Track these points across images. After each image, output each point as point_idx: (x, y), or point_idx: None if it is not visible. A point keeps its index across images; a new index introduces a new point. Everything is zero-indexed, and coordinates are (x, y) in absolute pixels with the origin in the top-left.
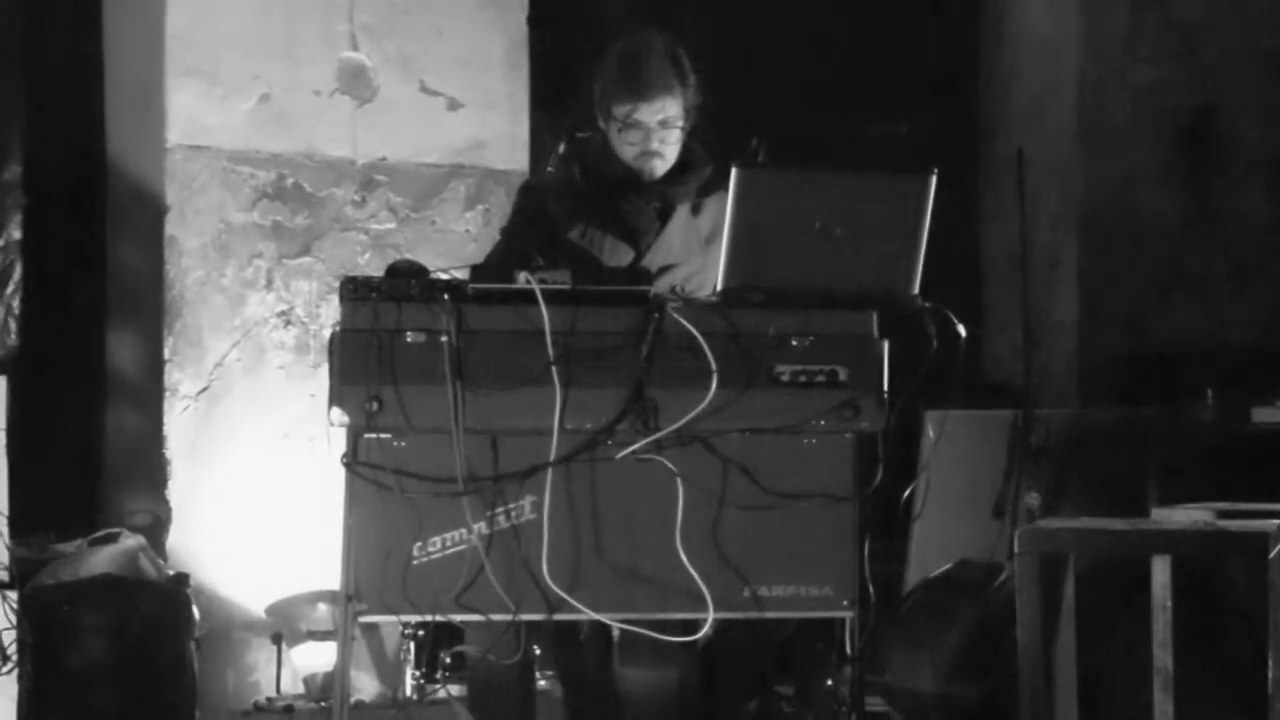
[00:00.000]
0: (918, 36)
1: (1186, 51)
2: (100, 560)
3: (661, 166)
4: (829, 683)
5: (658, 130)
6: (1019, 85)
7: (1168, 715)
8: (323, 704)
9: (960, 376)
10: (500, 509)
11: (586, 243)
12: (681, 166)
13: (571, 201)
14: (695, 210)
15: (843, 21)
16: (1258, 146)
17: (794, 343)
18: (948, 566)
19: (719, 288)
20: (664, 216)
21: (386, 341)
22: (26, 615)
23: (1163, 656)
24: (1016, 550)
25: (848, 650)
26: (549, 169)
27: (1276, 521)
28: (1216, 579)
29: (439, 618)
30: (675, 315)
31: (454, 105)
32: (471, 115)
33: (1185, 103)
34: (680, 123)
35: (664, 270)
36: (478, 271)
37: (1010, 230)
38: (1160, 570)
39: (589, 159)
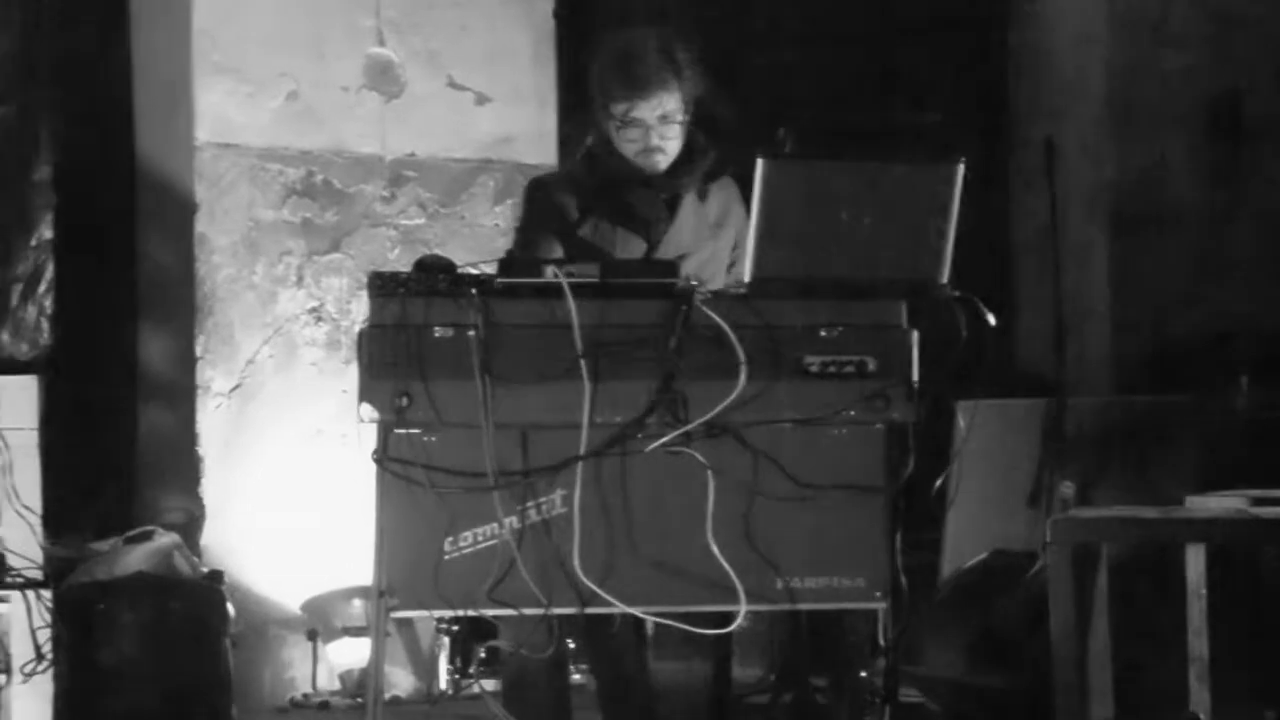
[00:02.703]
0: (947, 23)
1: (1217, 37)
2: (135, 558)
3: (664, 161)
4: (863, 674)
5: (657, 126)
6: (1049, 72)
7: (1203, 704)
8: (358, 700)
9: (990, 366)
10: (531, 503)
11: (598, 238)
12: (686, 155)
13: (579, 197)
14: (702, 196)
15: (873, 10)
16: None
17: (823, 333)
18: (982, 556)
19: (747, 279)
20: (673, 206)
21: (415, 337)
22: (61, 614)
23: (1197, 644)
24: (1049, 540)
25: (881, 641)
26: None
27: None
28: (1251, 566)
29: (471, 612)
30: (703, 307)
31: (481, 100)
32: (499, 110)
33: (1216, 88)
34: (679, 116)
35: (678, 259)
36: (505, 266)
37: (1040, 218)
38: (1194, 558)
39: (594, 153)
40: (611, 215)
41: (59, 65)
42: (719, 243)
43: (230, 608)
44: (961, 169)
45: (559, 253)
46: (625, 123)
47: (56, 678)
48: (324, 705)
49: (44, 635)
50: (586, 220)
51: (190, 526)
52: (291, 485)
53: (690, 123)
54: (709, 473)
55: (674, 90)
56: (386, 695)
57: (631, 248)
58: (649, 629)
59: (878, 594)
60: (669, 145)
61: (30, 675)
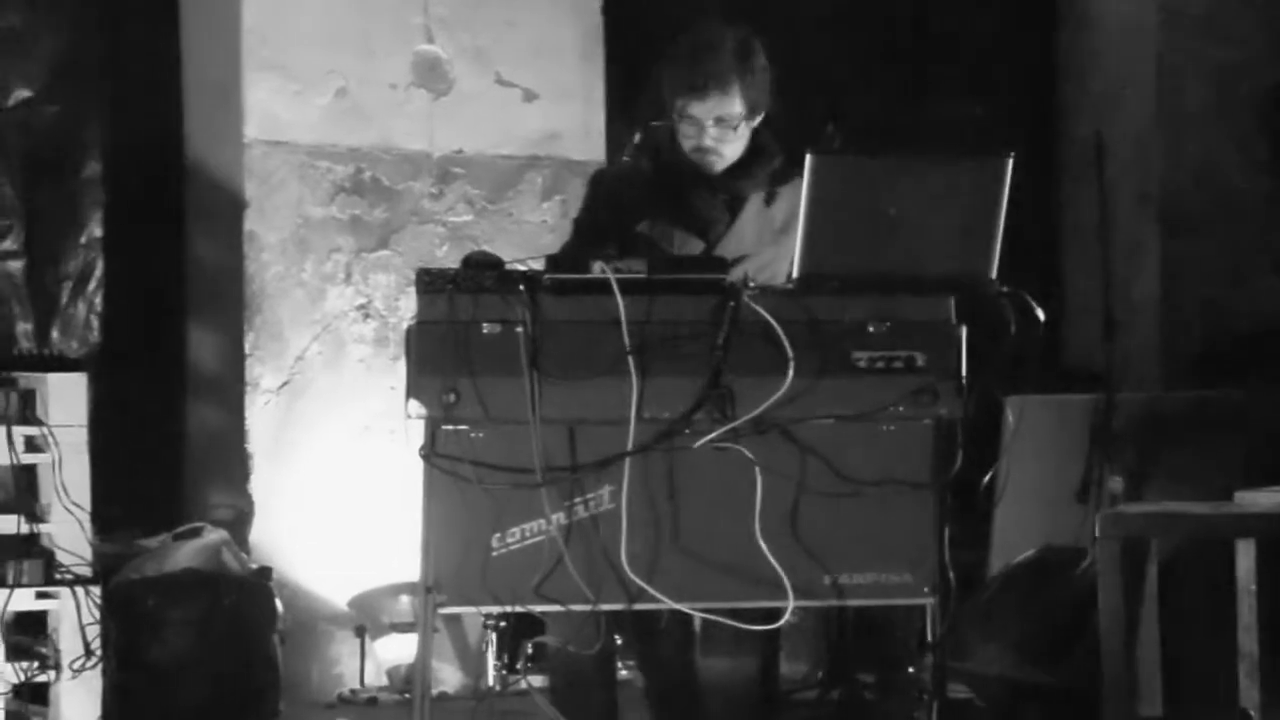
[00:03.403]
0: (996, 18)
1: (1266, 30)
2: (184, 555)
3: (719, 163)
4: (910, 670)
5: (712, 128)
6: (1098, 66)
7: (1253, 700)
8: (406, 695)
9: (1039, 361)
10: (578, 499)
11: (656, 235)
12: (750, 157)
13: (641, 193)
14: (769, 200)
15: (922, 4)
16: None
17: (871, 329)
18: (1031, 552)
19: (794, 274)
20: (733, 209)
21: (463, 333)
22: (111, 610)
23: (1248, 641)
24: (1098, 535)
25: (929, 637)
26: (625, 159)
27: None
28: None
29: (519, 608)
30: (751, 303)
31: (529, 96)
32: (547, 106)
33: (1265, 82)
34: (737, 122)
35: (736, 261)
36: (553, 262)
37: (1089, 213)
38: (1245, 553)
39: (659, 150)
40: (671, 215)
41: (108, 64)
42: (782, 247)
43: (278, 604)
44: (1010, 164)
45: (616, 247)
46: (683, 118)
47: (105, 674)
48: (372, 701)
49: (93, 631)
50: (646, 216)
51: (239, 523)
52: (339, 482)
53: (758, 126)
54: (756, 469)
55: (734, 94)
56: (434, 691)
57: (689, 247)
58: (696, 625)
59: (926, 590)
60: (725, 149)
61: (79, 671)
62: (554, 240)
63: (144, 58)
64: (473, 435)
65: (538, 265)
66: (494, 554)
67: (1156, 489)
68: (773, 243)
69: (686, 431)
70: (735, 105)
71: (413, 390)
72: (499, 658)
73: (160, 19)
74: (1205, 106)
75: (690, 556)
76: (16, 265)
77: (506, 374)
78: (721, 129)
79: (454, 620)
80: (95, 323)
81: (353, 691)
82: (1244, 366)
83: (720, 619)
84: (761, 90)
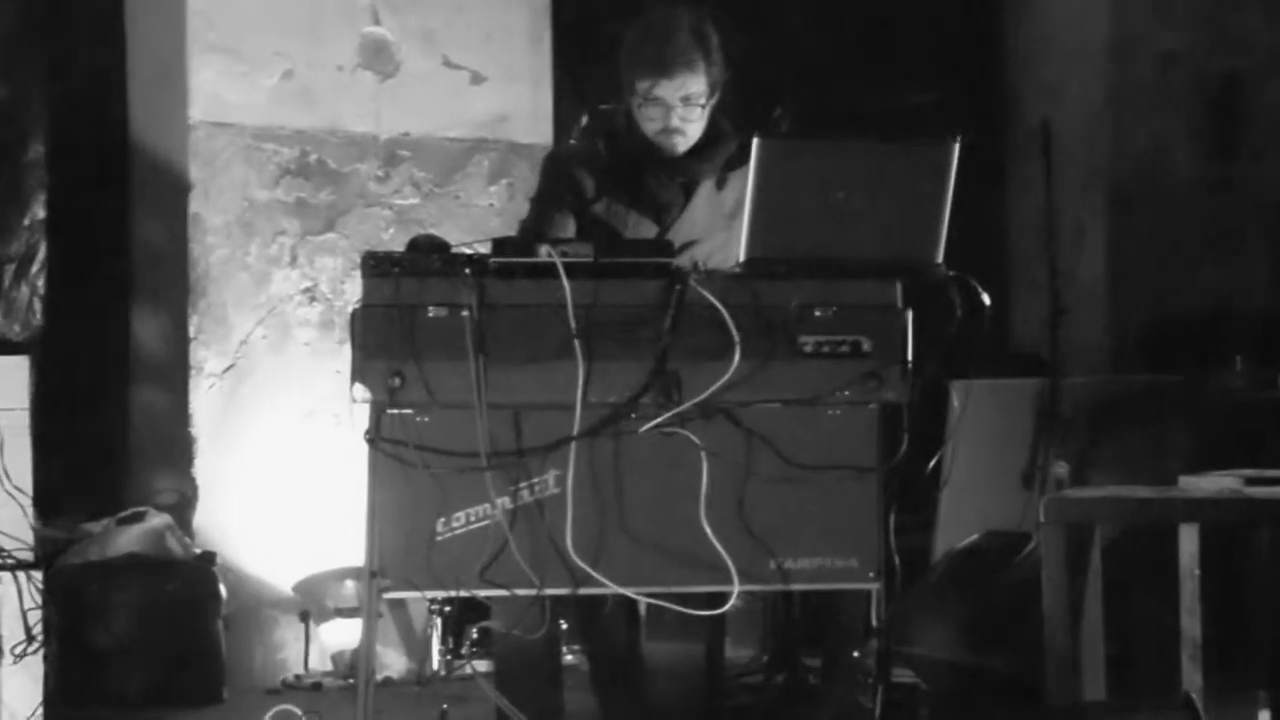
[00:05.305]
0: (943, 4)
1: (1214, 18)
2: (127, 539)
3: (683, 143)
4: (855, 654)
5: (679, 107)
6: (1047, 52)
7: (1196, 684)
8: (351, 681)
9: (985, 346)
10: (524, 484)
11: (610, 217)
12: (707, 141)
13: (595, 175)
14: (720, 185)
15: None
16: None
17: (817, 313)
18: (975, 537)
19: (741, 258)
20: (689, 192)
21: (408, 317)
22: (53, 595)
23: (1191, 625)
24: (1042, 520)
25: (874, 622)
26: (571, 141)
27: None
28: (1244, 546)
29: (463, 593)
30: (698, 287)
31: (477, 79)
32: (494, 89)
33: (1212, 69)
34: (703, 100)
35: (687, 246)
36: (499, 246)
37: (1037, 198)
38: (1188, 538)
39: (613, 133)
40: (626, 197)
41: (53, 45)
42: (733, 232)
43: (222, 588)
44: (957, 148)
45: (571, 229)
46: (648, 100)
47: (47, 659)
48: (316, 686)
49: (35, 616)
50: (601, 199)
51: (182, 507)
52: (284, 466)
53: (715, 109)
54: (702, 453)
55: (699, 73)
56: (378, 676)
57: (643, 230)
58: (641, 610)
59: (871, 574)
60: (689, 128)
61: (21, 656)
62: (501, 223)
63: (88, 39)
64: (418, 419)
65: (484, 249)
66: (439, 538)
67: (1101, 474)
68: (724, 227)
69: (633, 416)
70: (700, 83)
71: (358, 374)
72: (444, 642)
73: (106, 1)
74: (1153, 92)
75: (636, 541)
76: None
77: (452, 358)
78: (688, 108)
79: (399, 605)
80: (38, 305)
81: (297, 677)
82: (1190, 351)
83: (665, 604)
84: (721, 68)
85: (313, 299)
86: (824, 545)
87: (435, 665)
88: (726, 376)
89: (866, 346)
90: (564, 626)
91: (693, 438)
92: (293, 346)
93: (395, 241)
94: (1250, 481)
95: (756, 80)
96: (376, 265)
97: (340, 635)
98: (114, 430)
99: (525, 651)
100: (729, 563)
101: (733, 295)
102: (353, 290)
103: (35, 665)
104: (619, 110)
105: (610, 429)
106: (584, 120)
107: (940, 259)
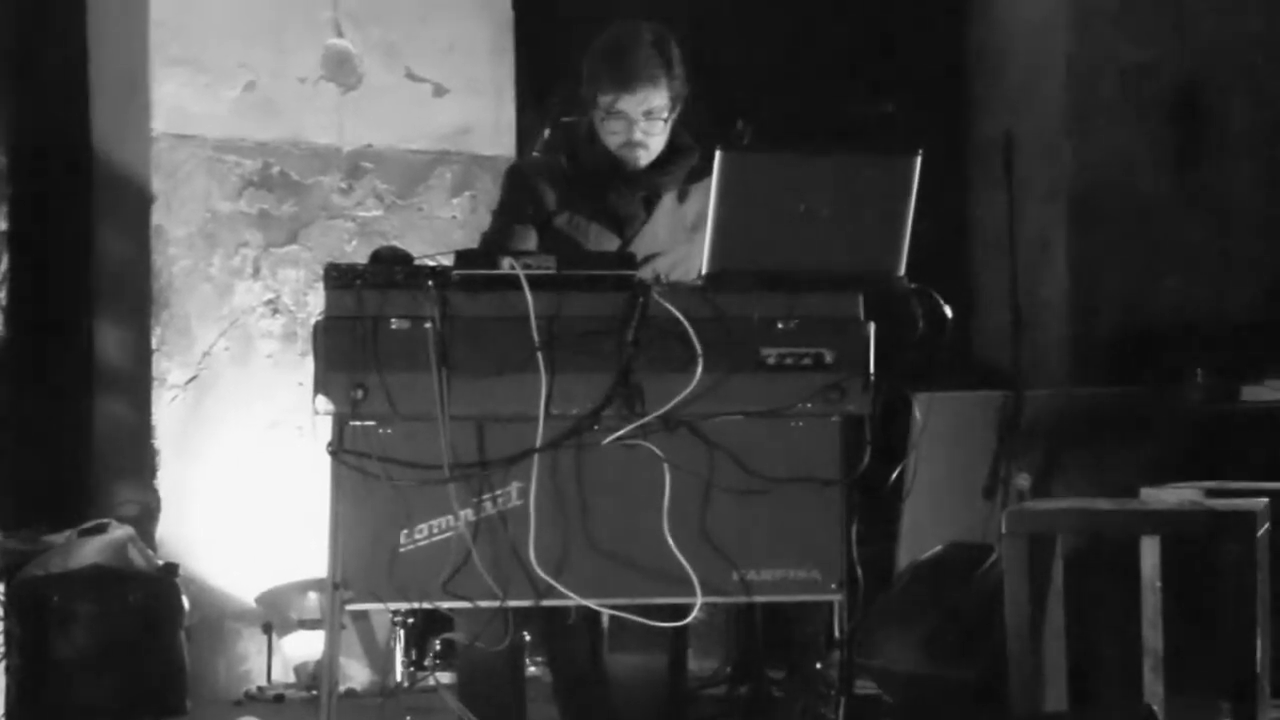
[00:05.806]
0: (906, 17)
1: (1176, 31)
2: (89, 551)
3: (645, 157)
4: (818, 666)
5: (641, 121)
6: (1008, 65)
7: (1157, 695)
8: (313, 692)
9: (947, 358)
10: (487, 495)
11: (573, 230)
12: (669, 154)
13: (558, 187)
14: (681, 197)
15: (832, 3)
16: (1246, 125)
17: (779, 326)
18: (938, 549)
19: (704, 271)
20: (651, 205)
21: (371, 329)
22: (15, 606)
23: (1152, 636)
24: (1004, 531)
25: (836, 633)
26: (534, 154)
27: (1264, 500)
28: (1205, 558)
29: (426, 605)
30: (660, 300)
31: (440, 91)
32: (457, 101)
33: (1175, 82)
34: (665, 114)
35: (649, 259)
36: (462, 258)
37: (999, 211)
38: (1149, 550)
39: (575, 146)
40: (588, 210)
41: (13, 55)
42: (694, 244)
43: (185, 600)
44: (919, 161)
45: (533, 241)
46: (610, 114)
47: (9, 670)
48: (279, 698)
49: None
50: (563, 211)
51: (145, 519)
52: (247, 478)
53: (676, 122)
54: (665, 465)
55: (661, 87)
56: (341, 688)
57: (605, 243)
58: (605, 622)
59: (833, 586)
60: (651, 141)
61: None
62: (464, 236)
63: (50, 49)
64: (381, 431)
65: (447, 261)
66: (402, 550)
67: (1063, 486)
68: (686, 240)
69: (595, 428)
70: (662, 97)
71: (320, 386)
72: (407, 654)
73: (67, 11)
74: (1115, 105)
75: (599, 553)
76: None
77: (415, 370)
78: (650, 121)
79: (362, 617)
80: (0, 317)
81: (259, 688)
82: (1151, 363)
83: (628, 616)
84: (683, 82)
85: (275, 311)
86: (786, 557)
87: (398, 677)
88: (689, 389)
89: (829, 359)
90: (527, 638)
91: (655, 450)
92: (255, 358)
93: (358, 254)
94: (1211, 494)
95: (720, 93)
96: (339, 277)
97: (303, 647)
98: (77, 442)
99: (488, 663)
100: (691, 575)
101: (695, 308)
102: (315, 302)
103: None
104: (581, 123)
105: (573, 441)
106: (546, 133)
107: (902, 271)
